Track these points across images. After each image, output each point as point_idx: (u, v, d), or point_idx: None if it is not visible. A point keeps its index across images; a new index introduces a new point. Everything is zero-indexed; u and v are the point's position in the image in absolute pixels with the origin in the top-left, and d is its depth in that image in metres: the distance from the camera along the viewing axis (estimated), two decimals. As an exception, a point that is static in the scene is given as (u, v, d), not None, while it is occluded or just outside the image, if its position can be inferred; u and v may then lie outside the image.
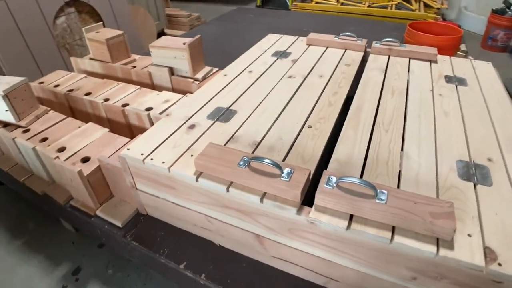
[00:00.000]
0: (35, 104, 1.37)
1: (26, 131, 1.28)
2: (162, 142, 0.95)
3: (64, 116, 1.35)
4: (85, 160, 1.11)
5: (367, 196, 0.69)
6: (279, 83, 1.24)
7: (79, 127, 1.29)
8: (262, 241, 0.85)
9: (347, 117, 1.03)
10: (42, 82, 1.62)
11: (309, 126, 0.99)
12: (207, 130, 0.99)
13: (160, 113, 1.23)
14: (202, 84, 1.42)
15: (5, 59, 1.95)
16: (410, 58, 1.40)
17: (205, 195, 0.85)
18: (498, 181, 0.80)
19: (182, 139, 0.95)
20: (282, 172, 0.74)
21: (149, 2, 3.34)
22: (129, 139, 1.12)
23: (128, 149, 0.93)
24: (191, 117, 1.06)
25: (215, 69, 1.56)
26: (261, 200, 0.75)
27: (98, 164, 1.08)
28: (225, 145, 0.92)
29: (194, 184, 0.83)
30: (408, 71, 1.31)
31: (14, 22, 1.97)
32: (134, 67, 1.69)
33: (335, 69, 1.33)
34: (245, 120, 1.03)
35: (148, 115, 1.27)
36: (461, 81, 1.23)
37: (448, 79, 1.24)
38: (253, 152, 0.89)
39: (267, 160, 0.75)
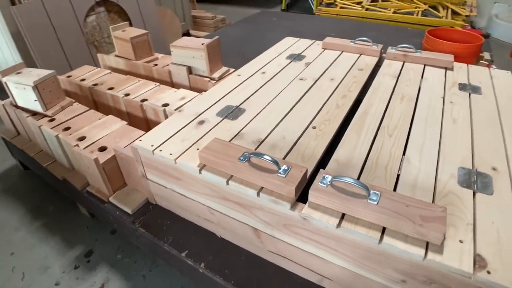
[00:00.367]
0: (61, 96, 1.47)
1: (52, 120, 1.38)
2: (172, 136, 1.00)
3: (87, 108, 1.44)
4: (102, 149, 1.18)
5: (360, 196, 0.70)
6: (290, 84, 1.27)
7: (100, 119, 1.37)
8: (259, 234, 0.88)
9: (352, 120, 1.04)
10: (69, 76, 1.72)
11: (314, 127, 1.01)
12: (215, 126, 1.04)
13: (175, 109, 1.28)
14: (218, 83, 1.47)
15: (38, 54, 2.08)
16: (425, 65, 1.39)
17: (207, 187, 0.89)
18: (500, 191, 0.79)
19: (190, 134, 1.00)
20: (280, 169, 0.77)
21: (176, 4, 3.45)
22: (144, 132, 1.18)
23: (140, 140, 0.98)
24: (201, 113, 1.10)
25: (231, 70, 1.61)
26: (258, 194, 0.78)
27: (114, 153, 1.14)
28: (230, 141, 0.96)
29: (197, 175, 0.87)
30: (422, 77, 1.30)
31: (49, 19, 2.10)
32: (156, 65, 1.76)
33: (347, 73, 1.34)
34: (252, 119, 1.06)
35: (164, 110, 1.33)
36: (475, 89, 1.21)
37: (462, 86, 1.23)
38: (256, 149, 0.92)
39: (266, 157, 0.78)
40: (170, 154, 0.92)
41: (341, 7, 3.64)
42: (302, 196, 0.78)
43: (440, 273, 0.65)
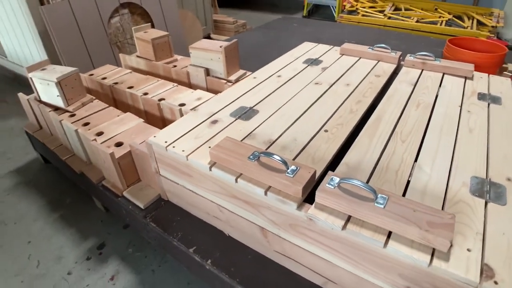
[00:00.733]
0: (83, 93, 1.52)
1: (72, 115, 1.43)
2: (185, 133, 1.02)
3: (106, 105, 1.49)
4: (119, 144, 1.22)
5: (367, 199, 0.70)
6: (305, 88, 1.27)
7: (118, 116, 1.41)
8: (266, 234, 0.89)
9: (365, 126, 1.04)
10: (92, 74, 1.79)
11: (325, 131, 1.02)
12: (228, 126, 1.05)
13: (191, 109, 1.31)
14: (234, 85, 1.49)
15: (63, 52, 2.17)
16: (444, 74, 1.37)
17: (217, 185, 0.90)
18: (514, 202, 0.77)
19: (203, 132, 1.02)
20: (288, 169, 0.78)
21: (198, 8, 3.52)
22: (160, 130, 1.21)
23: (154, 137, 1.01)
24: (215, 113, 1.13)
25: (248, 73, 1.63)
26: (265, 193, 0.79)
27: (129, 149, 1.18)
28: (241, 140, 0.97)
29: (207, 172, 0.89)
30: (440, 86, 1.28)
31: (75, 19, 2.19)
32: (175, 66, 1.81)
33: (363, 79, 1.34)
34: (265, 120, 1.08)
35: (180, 109, 1.36)
36: (495, 100, 1.18)
37: (481, 96, 1.20)
38: (266, 149, 0.93)
39: (275, 156, 0.79)
40: (183, 150, 0.94)
41: (363, 15, 3.63)
42: (310, 198, 0.78)
43: (446, 281, 0.64)
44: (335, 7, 4.50)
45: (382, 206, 0.68)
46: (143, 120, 1.37)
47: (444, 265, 0.63)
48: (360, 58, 1.54)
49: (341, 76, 1.37)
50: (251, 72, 1.60)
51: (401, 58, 1.49)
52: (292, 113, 1.11)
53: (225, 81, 1.59)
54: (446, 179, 0.83)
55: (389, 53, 1.49)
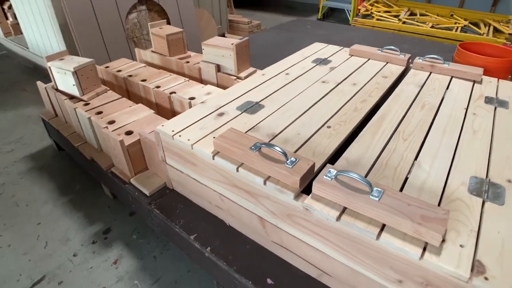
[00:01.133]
0: (97, 83, 1.57)
1: (87, 104, 1.48)
2: (192, 124, 1.05)
3: (120, 96, 1.54)
4: (129, 133, 1.26)
5: (362, 192, 0.72)
6: (312, 86, 1.29)
7: (130, 106, 1.46)
8: (264, 224, 0.91)
9: (368, 123, 1.05)
10: (107, 67, 1.85)
11: (328, 127, 1.03)
12: (233, 118, 1.08)
13: (200, 103, 1.34)
14: (243, 82, 1.52)
15: (81, 45, 2.24)
16: (452, 77, 1.37)
17: (219, 173, 0.93)
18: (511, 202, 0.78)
19: (209, 124, 1.05)
20: (287, 160, 0.80)
21: (214, 7, 3.57)
22: (168, 121, 1.25)
23: (162, 126, 1.05)
24: (222, 106, 1.16)
25: (258, 71, 1.65)
26: (265, 183, 0.81)
27: (138, 137, 1.22)
28: (245, 133, 1.00)
29: (210, 161, 0.92)
30: (447, 88, 1.28)
31: (94, 14, 2.26)
32: (188, 62, 1.85)
33: (371, 79, 1.35)
34: (270, 114, 1.10)
35: (189, 103, 1.39)
36: (502, 104, 1.18)
37: (488, 100, 1.20)
38: (269, 142, 0.96)
39: (276, 147, 0.81)
40: (188, 140, 0.97)
41: (378, 19, 3.62)
42: (308, 191, 0.80)
43: (437, 275, 0.65)
44: (350, 10, 4.49)
45: (377, 199, 0.70)
46: (153, 111, 1.41)
47: (435, 259, 0.64)
48: (369, 59, 1.55)
49: (349, 75, 1.38)
50: (260, 70, 1.62)
51: (410, 60, 1.50)
52: (297, 109, 1.13)
53: (235, 78, 1.62)
54: (445, 177, 0.83)
55: (398, 55, 1.49)
